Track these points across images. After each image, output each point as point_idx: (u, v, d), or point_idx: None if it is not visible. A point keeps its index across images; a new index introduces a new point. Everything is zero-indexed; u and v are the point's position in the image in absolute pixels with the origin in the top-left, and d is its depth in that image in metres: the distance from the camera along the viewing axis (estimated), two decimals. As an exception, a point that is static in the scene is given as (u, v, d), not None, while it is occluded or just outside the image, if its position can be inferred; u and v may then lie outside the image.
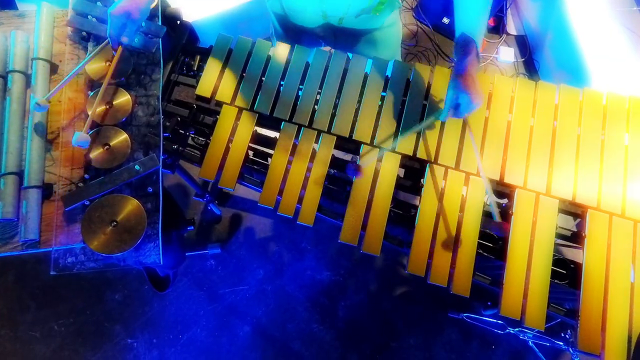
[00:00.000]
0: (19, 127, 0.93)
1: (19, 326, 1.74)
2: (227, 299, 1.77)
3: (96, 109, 0.93)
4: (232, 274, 1.81)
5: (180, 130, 1.02)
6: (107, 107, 0.94)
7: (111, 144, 0.91)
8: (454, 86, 0.84)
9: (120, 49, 0.95)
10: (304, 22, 1.12)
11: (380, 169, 0.95)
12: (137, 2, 0.89)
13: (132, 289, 1.79)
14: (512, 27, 2.31)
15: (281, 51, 1.05)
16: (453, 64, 0.91)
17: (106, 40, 0.94)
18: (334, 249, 1.83)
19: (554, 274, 0.88)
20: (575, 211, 0.92)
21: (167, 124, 0.99)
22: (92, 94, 0.95)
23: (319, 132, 0.98)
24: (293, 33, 1.20)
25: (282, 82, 1.03)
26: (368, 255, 0.90)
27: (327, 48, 1.24)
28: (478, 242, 0.89)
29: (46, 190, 0.89)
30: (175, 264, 1.16)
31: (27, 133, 0.92)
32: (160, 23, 1.04)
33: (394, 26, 1.19)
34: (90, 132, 0.92)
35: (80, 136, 0.86)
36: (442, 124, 0.97)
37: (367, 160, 0.93)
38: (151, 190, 0.90)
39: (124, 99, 0.95)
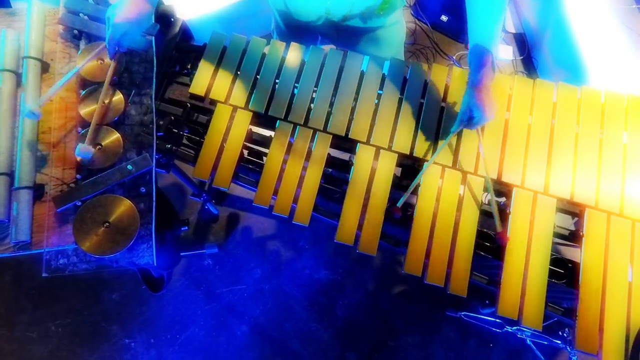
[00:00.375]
0: (9, 127, 0.92)
1: (15, 327, 1.73)
2: (225, 298, 1.77)
3: (88, 110, 0.92)
4: (230, 274, 1.80)
5: (174, 130, 1.01)
6: (100, 106, 0.93)
7: (103, 143, 0.90)
8: (469, 99, 0.83)
9: (115, 60, 0.93)
10: (307, 20, 1.11)
11: (376, 168, 0.94)
12: (138, 12, 0.87)
13: (129, 288, 1.78)
14: (510, 25, 2.30)
15: (276, 49, 1.04)
16: (452, 63, 0.90)
17: (103, 44, 0.92)
18: (332, 248, 1.82)
19: (552, 273, 0.87)
20: (573, 210, 0.91)
21: (161, 123, 0.98)
22: (84, 92, 0.94)
23: (315, 130, 0.97)
24: (295, 30, 1.19)
25: (277, 80, 1.02)
26: (366, 255, 0.89)
27: (330, 46, 1.22)
28: (475, 241, 0.88)
29: (37, 191, 0.88)
30: (169, 265, 1.15)
31: (17, 133, 0.91)
32: (153, 21, 1.02)
33: (397, 25, 1.18)
34: (82, 132, 0.90)
35: (83, 147, 0.86)
36: (440, 123, 0.96)
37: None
38: (144, 190, 0.89)
39: (116, 97, 0.94)
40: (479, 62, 0.82)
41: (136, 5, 0.87)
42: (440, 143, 0.94)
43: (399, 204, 0.87)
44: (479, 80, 0.82)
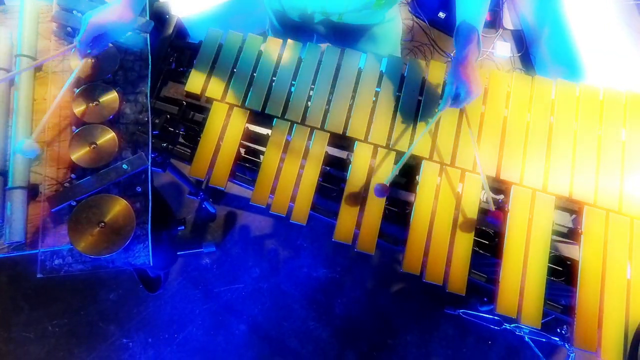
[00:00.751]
0: (2, 126, 0.90)
1: (12, 327, 1.72)
2: (223, 297, 1.76)
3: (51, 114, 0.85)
4: (228, 273, 1.80)
5: (170, 128, 1.00)
6: (94, 104, 0.92)
7: (98, 142, 0.89)
8: (454, 75, 0.83)
9: (85, 60, 0.88)
10: (303, 19, 1.09)
11: (374, 166, 0.93)
12: (119, 17, 0.84)
13: (126, 288, 1.77)
14: (508, 22, 2.29)
15: (273, 46, 1.03)
16: (452, 57, 0.89)
17: (72, 45, 0.87)
18: (330, 246, 1.82)
19: (551, 271, 0.87)
20: (571, 208, 0.91)
21: (156, 121, 0.97)
22: (78, 91, 0.92)
23: (312, 128, 0.97)
24: (291, 29, 1.18)
25: (274, 78, 1.01)
26: (364, 253, 0.89)
27: (326, 44, 1.22)
28: (474, 239, 0.88)
29: (31, 191, 0.87)
30: (166, 265, 1.14)
31: (11, 132, 0.90)
32: (148, 18, 1.01)
33: (394, 21, 1.18)
34: (76, 131, 0.89)
35: (26, 144, 0.78)
36: (438, 121, 0.95)
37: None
38: (140, 189, 0.88)
39: (110, 96, 0.93)
40: (465, 39, 0.82)
41: (117, 9, 0.84)
42: (429, 120, 0.94)
43: (387, 181, 0.85)
44: (464, 57, 0.82)
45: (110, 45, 0.96)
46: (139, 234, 0.85)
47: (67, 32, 0.99)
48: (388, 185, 0.84)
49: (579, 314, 0.83)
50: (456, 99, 0.85)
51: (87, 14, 0.83)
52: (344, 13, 1.04)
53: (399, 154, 0.94)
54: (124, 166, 0.87)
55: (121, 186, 0.88)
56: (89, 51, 0.86)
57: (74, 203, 0.85)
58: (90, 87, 0.93)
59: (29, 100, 0.93)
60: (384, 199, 0.90)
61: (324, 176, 0.98)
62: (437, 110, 0.89)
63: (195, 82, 1.00)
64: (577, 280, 0.85)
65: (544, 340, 1.47)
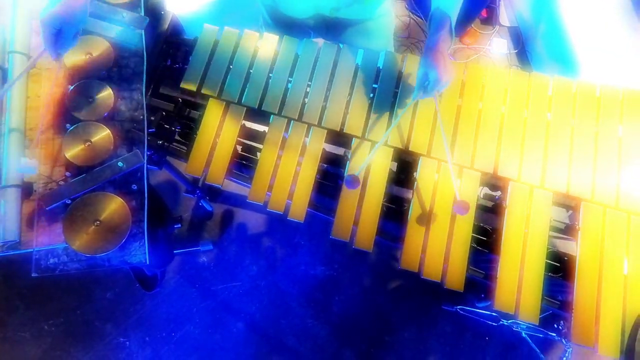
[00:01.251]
0: (-5, 124, 0.89)
1: (8, 327, 1.71)
2: (220, 295, 1.76)
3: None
4: (225, 271, 1.79)
5: (166, 125, 0.99)
6: (88, 101, 0.91)
7: (92, 140, 0.88)
8: (424, 62, 0.81)
9: (43, 50, 0.81)
10: (295, 13, 1.09)
11: (372, 163, 0.93)
12: (69, 6, 0.79)
13: (122, 287, 1.76)
14: (504, 19, 2.29)
15: (269, 42, 1.02)
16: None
17: (42, 50, 0.82)
18: (328, 243, 1.82)
19: (548, 267, 0.87)
20: (569, 203, 0.91)
21: (152, 118, 0.96)
22: (72, 88, 0.91)
23: (309, 125, 0.96)
24: (284, 25, 1.17)
25: (270, 75, 1.00)
26: (362, 250, 0.89)
27: (319, 40, 1.21)
28: (472, 236, 0.88)
29: (25, 189, 0.86)
30: (162, 263, 1.13)
31: (4, 129, 0.89)
32: (142, 14, 1.00)
33: (387, 16, 1.17)
34: (71, 128, 0.88)
35: (26, 163, 0.82)
36: (436, 116, 0.95)
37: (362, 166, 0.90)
38: (135, 187, 0.87)
39: (105, 93, 0.92)
40: (437, 26, 0.82)
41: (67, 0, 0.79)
42: (399, 112, 0.93)
43: (358, 173, 0.86)
44: (435, 43, 0.81)
45: (106, 41, 0.95)
46: (135, 232, 0.85)
47: (61, 28, 0.98)
48: (359, 176, 0.84)
49: (576, 309, 0.83)
50: (425, 88, 0.83)
51: (40, 14, 0.79)
52: (336, 8, 1.03)
53: (397, 151, 0.94)
54: (120, 164, 0.86)
55: (116, 184, 0.88)
56: (57, 52, 0.80)
57: (68, 201, 0.84)
58: (84, 84, 0.92)
59: (22, 98, 0.92)
60: (382, 196, 0.90)
61: (322, 173, 0.97)
62: (410, 100, 0.88)
63: (191, 78, 0.99)
64: (574, 276, 0.85)
65: (541, 336, 1.48)
